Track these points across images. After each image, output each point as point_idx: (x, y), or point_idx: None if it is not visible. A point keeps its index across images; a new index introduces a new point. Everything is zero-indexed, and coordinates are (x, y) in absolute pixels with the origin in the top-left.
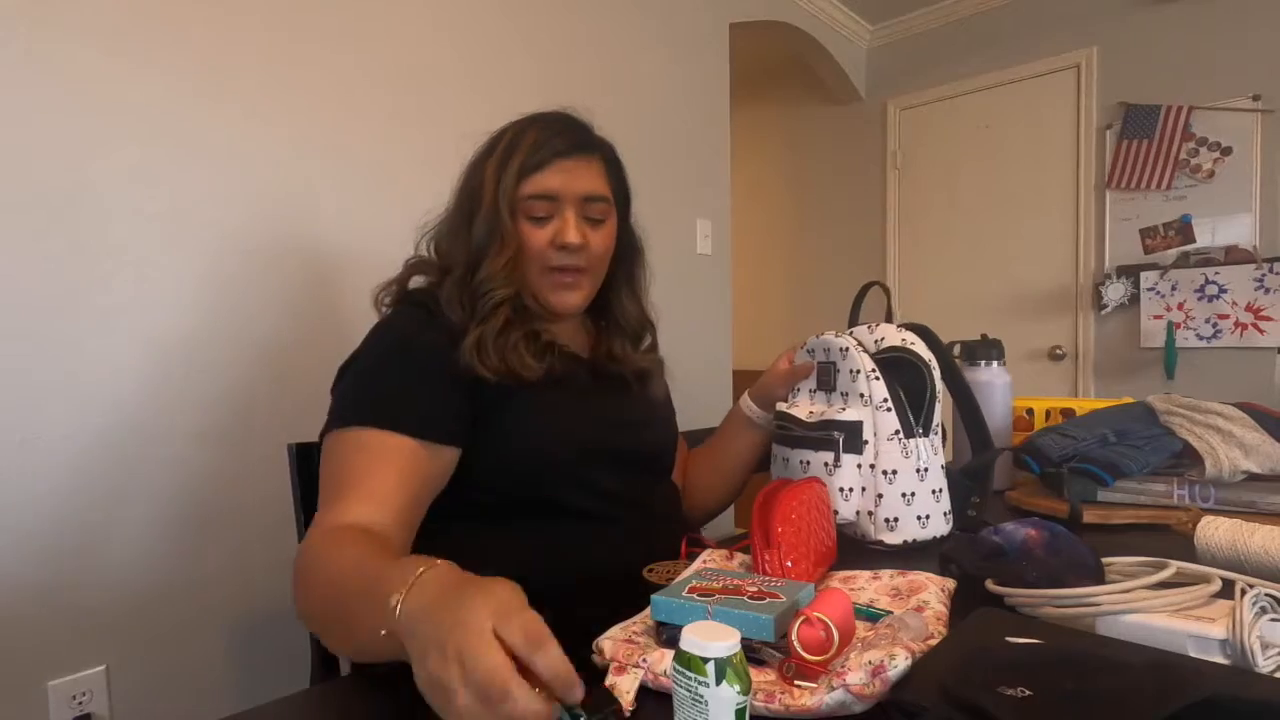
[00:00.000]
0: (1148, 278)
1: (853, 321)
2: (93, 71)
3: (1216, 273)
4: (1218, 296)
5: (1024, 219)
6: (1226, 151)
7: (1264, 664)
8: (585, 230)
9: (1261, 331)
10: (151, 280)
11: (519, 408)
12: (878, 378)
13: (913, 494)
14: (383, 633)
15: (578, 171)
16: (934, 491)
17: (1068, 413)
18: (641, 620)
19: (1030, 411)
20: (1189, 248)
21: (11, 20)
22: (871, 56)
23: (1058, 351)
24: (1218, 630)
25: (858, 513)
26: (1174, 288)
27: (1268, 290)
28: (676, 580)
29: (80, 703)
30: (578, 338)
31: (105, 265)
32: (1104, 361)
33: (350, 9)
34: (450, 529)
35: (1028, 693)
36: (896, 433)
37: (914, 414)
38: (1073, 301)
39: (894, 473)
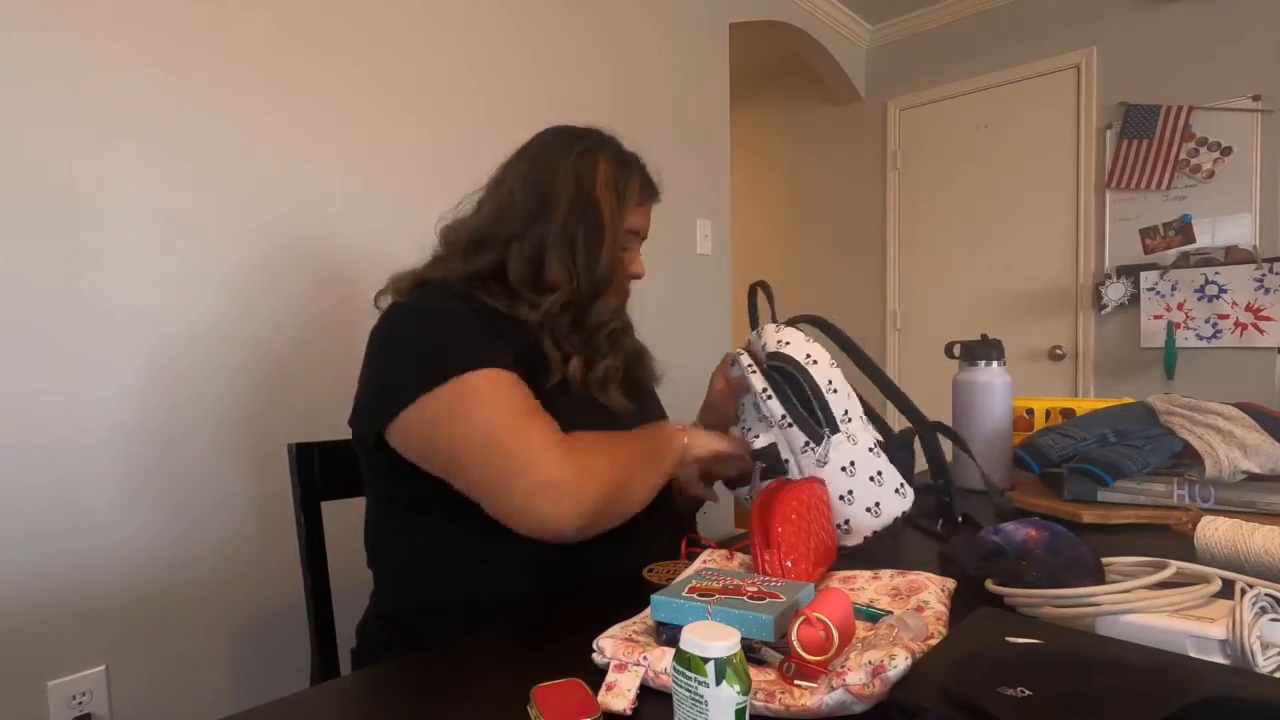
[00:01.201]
0: (1148, 278)
1: (753, 325)
2: (98, 73)
3: (1216, 273)
4: (1218, 296)
5: (1024, 219)
6: (1226, 151)
7: (1264, 664)
8: None
9: (1261, 331)
10: (152, 281)
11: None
12: (770, 397)
13: (850, 492)
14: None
15: (649, 212)
16: (872, 478)
17: (1068, 413)
18: (641, 620)
19: (1030, 411)
20: (1189, 248)
21: (11, 20)
22: (871, 56)
23: (1058, 351)
24: (1218, 630)
25: (847, 521)
26: (1174, 288)
27: (1268, 290)
28: (676, 580)
29: (80, 703)
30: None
31: (107, 266)
32: (1104, 361)
33: (351, 11)
34: (444, 529)
35: (1028, 693)
36: (807, 444)
37: (813, 418)
38: (1073, 301)
39: (853, 465)
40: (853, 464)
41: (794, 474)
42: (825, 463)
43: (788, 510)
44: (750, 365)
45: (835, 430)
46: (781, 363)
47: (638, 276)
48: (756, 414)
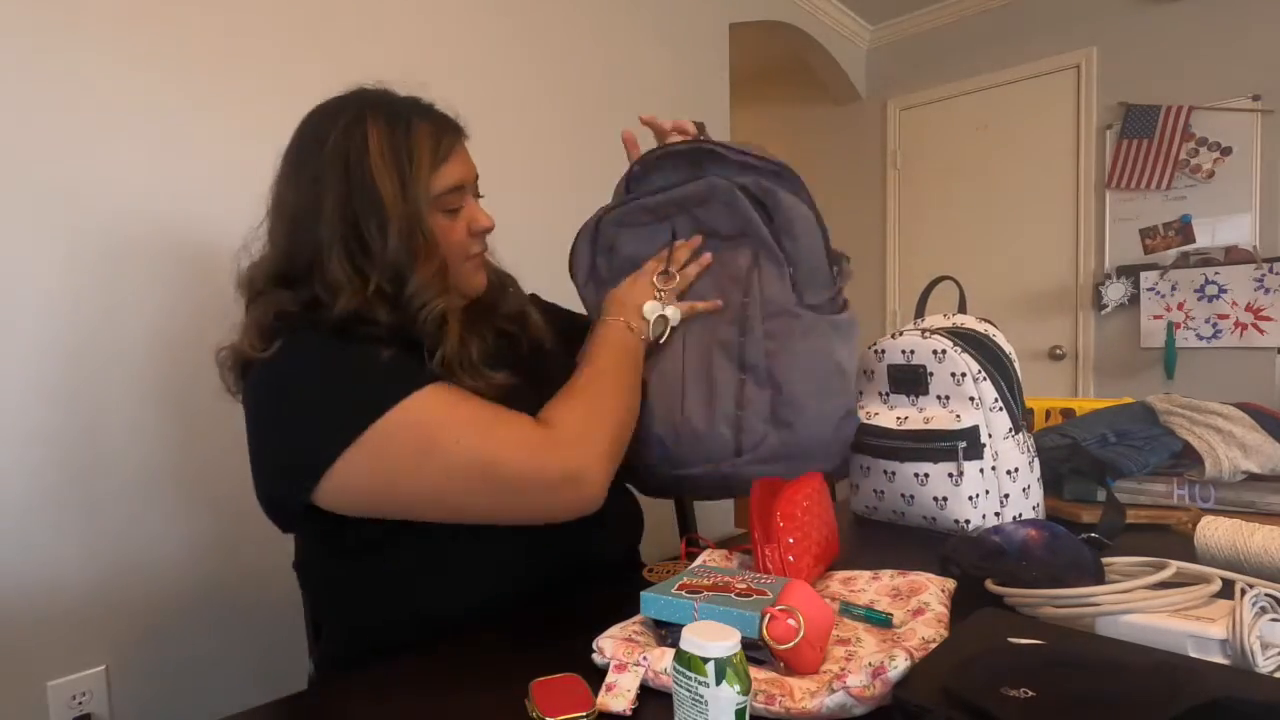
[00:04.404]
0: (1148, 278)
1: (919, 315)
2: (88, 73)
3: (1216, 273)
4: (1218, 296)
5: (1024, 219)
6: (1226, 151)
7: (1264, 664)
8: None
9: (1261, 331)
10: (152, 281)
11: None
12: (985, 379)
13: (1028, 488)
14: (642, 339)
15: (465, 156)
16: (1025, 489)
17: (1068, 413)
18: (641, 620)
19: (1030, 411)
20: (1189, 248)
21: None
22: (871, 56)
23: (1058, 351)
24: (1218, 630)
25: (984, 516)
26: (1174, 288)
27: (1268, 290)
28: (670, 578)
29: (80, 703)
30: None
31: (107, 266)
32: (1104, 361)
33: (350, 9)
34: (401, 539)
35: (1031, 694)
36: (1010, 430)
37: (1018, 407)
38: (1073, 301)
39: (1015, 471)
40: (1032, 463)
41: (989, 460)
42: (1024, 449)
43: (790, 506)
44: (954, 346)
45: (1019, 429)
46: (988, 344)
47: (483, 231)
48: (960, 394)
